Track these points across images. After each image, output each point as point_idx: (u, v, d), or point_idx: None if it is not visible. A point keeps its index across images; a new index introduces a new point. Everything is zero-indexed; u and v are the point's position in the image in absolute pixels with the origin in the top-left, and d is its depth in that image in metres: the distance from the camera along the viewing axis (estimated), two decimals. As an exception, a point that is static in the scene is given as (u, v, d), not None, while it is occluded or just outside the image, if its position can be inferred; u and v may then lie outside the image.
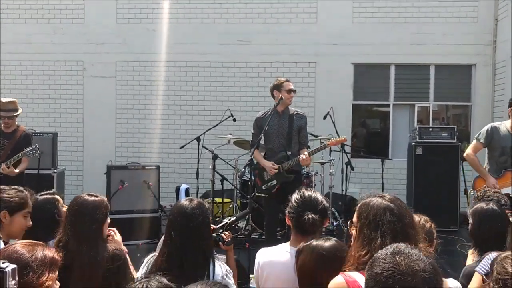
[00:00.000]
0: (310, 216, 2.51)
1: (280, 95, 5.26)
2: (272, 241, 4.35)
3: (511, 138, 4.92)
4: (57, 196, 3.19)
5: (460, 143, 7.50)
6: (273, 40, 9.29)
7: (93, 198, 2.71)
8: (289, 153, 5.25)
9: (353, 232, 2.13)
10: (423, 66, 9.19)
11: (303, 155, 5.05)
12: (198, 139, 7.11)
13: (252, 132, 5.48)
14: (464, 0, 9.00)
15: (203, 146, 7.12)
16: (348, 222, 2.23)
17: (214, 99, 9.36)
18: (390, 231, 1.94)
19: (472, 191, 5.09)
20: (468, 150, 5.21)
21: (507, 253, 1.98)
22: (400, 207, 2.05)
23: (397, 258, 1.47)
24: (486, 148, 5.16)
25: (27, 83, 9.71)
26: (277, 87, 5.32)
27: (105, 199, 2.78)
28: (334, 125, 7.22)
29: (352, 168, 7.06)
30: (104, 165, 7.31)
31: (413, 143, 7.47)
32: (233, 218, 2.99)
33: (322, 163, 7.48)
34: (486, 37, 8.99)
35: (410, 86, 9.31)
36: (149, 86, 9.53)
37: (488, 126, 5.11)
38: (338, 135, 7.07)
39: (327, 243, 2.27)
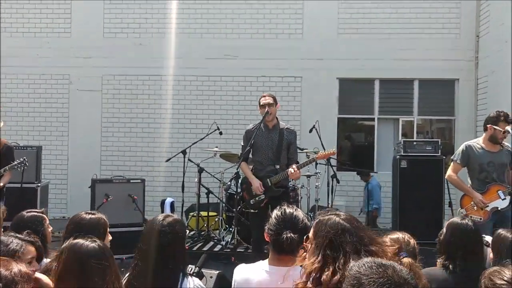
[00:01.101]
0: (288, 235, 2.40)
1: (262, 112, 5.30)
2: (259, 258, 4.29)
3: (487, 154, 4.98)
4: (44, 215, 3.14)
5: (444, 157, 7.58)
6: (259, 55, 9.37)
7: (90, 216, 2.70)
8: (278, 167, 5.23)
9: (308, 246, 2.07)
10: (407, 80, 9.34)
11: (291, 169, 5.04)
12: (184, 152, 7.10)
13: (242, 144, 5.47)
14: (446, 17, 9.18)
15: (189, 159, 7.10)
16: (304, 237, 2.15)
17: (201, 112, 9.38)
18: (352, 250, 1.93)
19: (460, 210, 5.11)
20: (449, 172, 5.24)
21: (495, 268, 2.07)
22: (356, 227, 2.02)
23: (387, 272, 1.47)
24: (466, 168, 5.19)
25: (12, 96, 9.65)
26: (259, 103, 5.37)
27: (103, 217, 2.75)
28: (320, 138, 7.25)
29: (338, 181, 7.07)
30: (89, 178, 7.25)
31: (398, 157, 7.53)
32: (196, 269, 2.77)
33: (308, 176, 7.50)
34: (468, 53, 9.17)
35: (394, 100, 9.44)
36: (135, 99, 9.53)
37: (463, 146, 5.16)
38: (324, 148, 7.11)
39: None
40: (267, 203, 5.12)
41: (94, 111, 9.55)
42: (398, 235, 2.77)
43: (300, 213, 2.52)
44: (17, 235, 2.55)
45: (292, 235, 2.40)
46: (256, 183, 5.16)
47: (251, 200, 5.25)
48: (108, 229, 2.91)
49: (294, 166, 5.08)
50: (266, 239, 2.56)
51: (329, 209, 2.29)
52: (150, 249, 2.42)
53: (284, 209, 2.52)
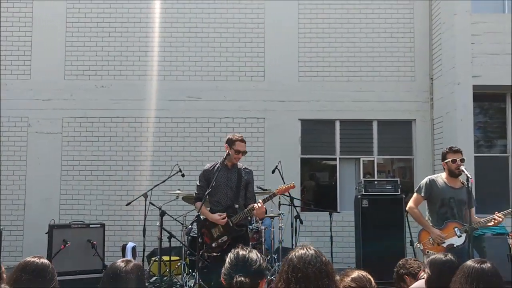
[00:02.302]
0: (238, 280, 2.33)
1: (228, 151, 5.26)
2: None
3: (449, 190, 5.06)
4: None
5: (404, 196, 7.74)
6: (222, 97, 9.48)
7: (38, 260, 2.60)
8: (237, 206, 5.21)
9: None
10: (366, 121, 9.60)
11: (257, 204, 5.01)
12: (145, 195, 6.98)
13: (198, 184, 5.37)
14: (402, 60, 9.59)
15: (150, 202, 6.98)
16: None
17: (163, 154, 9.32)
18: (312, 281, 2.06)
19: (418, 244, 5.16)
20: (410, 204, 5.27)
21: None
22: (322, 262, 2.19)
23: None
24: (425, 201, 5.27)
25: (-33, 140, 9.35)
26: (229, 142, 5.28)
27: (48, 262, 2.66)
28: (283, 178, 7.29)
29: (301, 222, 7.08)
30: (46, 224, 7.00)
31: (359, 196, 7.65)
32: None
33: (272, 217, 7.49)
34: (424, 94, 9.55)
35: (355, 140, 9.65)
36: (96, 142, 9.40)
37: (426, 179, 5.24)
38: (286, 187, 7.15)
39: None
40: (230, 245, 5.01)
41: (53, 154, 9.34)
42: (358, 273, 2.74)
43: (254, 255, 2.43)
44: None
45: (243, 278, 2.33)
46: (215, 216, 5.09)
47: (213, 243, 5.16)
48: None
49: (260, 200, 5.07)
50: (223, 282, 2.49)
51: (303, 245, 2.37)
52: None
53: (237, 252, 2.45)
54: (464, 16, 8.60)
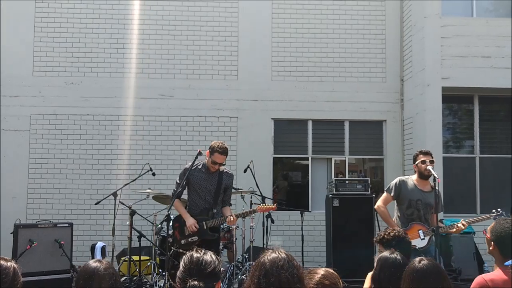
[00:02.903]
0: (192, 284, 2.25)
1: (207, 158, 5.26)
2: None
3: (417, 192, 5.15)
4: None
5: (374, 195, 7.84)
6: (194, 95, 9.42)
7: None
8: (215, 211, 5.21)
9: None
10: (338, 121, 9.68)
11: (231, 217, 5.07)
12: (115, 194, 6.87)
13: (177, 181, 5.37)
14: (373, 61, 9.70)
15: (120, 202, 6.88)
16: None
17: (134, 152, 9.20)
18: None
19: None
20: (379, 202, 5.34)
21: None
22: (294, 266, 2.24)
23: None
24: (395, 201, 5.36)
25: None
26: (210, 150, 5.25)
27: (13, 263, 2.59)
28: (255, 178, 7.29)
29: (273, 221, 7.10)
30: (11, 223, 6.82)
31: (330, 195, 7.71)
32: None
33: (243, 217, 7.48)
34: (394, 95, 9.69)
35: (327, 140, 9.73)
36: (65, 140, 9.22)
37: (397, 179, 5.33)
38: (258, 187, 7.17)
39: None
40: (198, 246, 5.02)
41: (21, 152, 9.12)
42: (326, 270, 2.72)
43: (208, 257, 2.37)
44: None
45: (196, 282, 2.25)
46: (190, 221, 5.10)
47: (182, 240, 5.17)
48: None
49: (234, 215, 5.12)
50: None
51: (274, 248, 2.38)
52: None
53: (191, 255, 2.37)
54: (434, 19, 8.77)
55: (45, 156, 9.18)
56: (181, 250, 5.20)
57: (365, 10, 9.78)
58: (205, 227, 5.12)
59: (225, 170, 5.40)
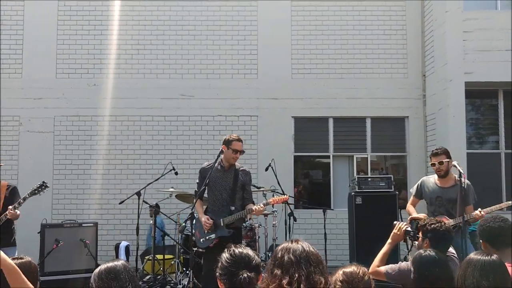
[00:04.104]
0: (245, 275, 2.29)
1: (225, 152, 5.21)
2: None
3: (437, 190, 5.25)
4: None
5: (397, 192, 7.76)
6: (215, 95, 9.45)
7: (18, 261, 2.57)
8: (233, 208, 5.18)
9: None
10: (360, 118, 9.60)
11: (257, 206, 5.00)
12: (138, 193, 6.94)
13: (197, 182, 5.43)
14: (394, 57, 9.60)
15: (143, 201, 6.94)
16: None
17: (157, 152, 9.28)
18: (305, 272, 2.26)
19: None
20: (408, 204, 5.58)
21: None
22: (316, 259, 2.33)
23: None
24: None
25: (-43, 139, 9.27)
26: (227, 142, 5.20)
27: (32, 260, 2.64)
28: (276, 176, 7.27)
29: (295, 219, 7.07)
30: (38, 223, 6.95)
31: (353, 193, 7.65)
32: None
33: (265, 215, 7.48)
34: (416, 91, 9.57)
35: (348, 138, 9.66)
36: (88, 140, 9.34)
37: (420, 180, 5.48)
38: (280, 186, 7.16)
39: None
40: (216, 244, 5.04)
41: (45, 153, 9.27)
42: (353, 269, 2.71)
43: (250, 251, 2.44)
44: None
45: (249, 274, 2.32)
46: (203, 218, 5.11)
47: (202, 239, 5.18)
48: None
49: (261, 204, 5.06)
50: (220, 286, 2.42)
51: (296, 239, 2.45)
52: None
53: (233, 250, 2.42)
54: (456, 13, 8.63)
55: (69, 157, 9.33)
56: (200, 250, 5.20)
57: (386, 5, 9.69)
58: (222, 224, 5.11)
59: (241, 168, 5.36)
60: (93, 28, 9.56)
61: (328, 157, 9.59)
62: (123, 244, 8.13)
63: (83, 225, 6.82)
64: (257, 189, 7.48)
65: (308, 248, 2.38)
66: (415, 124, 9.54)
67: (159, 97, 9.43)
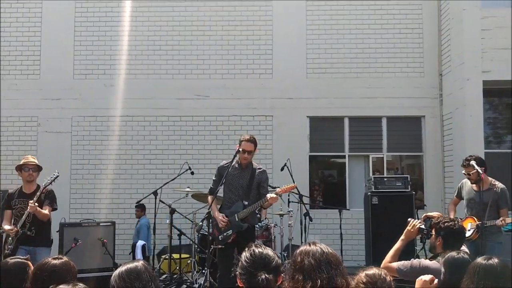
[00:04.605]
0: (263, 277, 2.29)
1: (239, 153, 5.37)
2: None
3: (471, 192, 5.65)
4: (28, 262, 3.03)
5: (414, 192, 7.70)
6: (230, 95, 9.49)
7: (59, 261, 2.63)
8: (246, 203, 5.29)
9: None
10: (375, 118, 9.55)
11: (270, 194, 5.10)
12: (155, 193, 7.00)
13: (213, 179, 5.54)
14: (410, 56, 9.53)
15: (160, 200, 7.00)
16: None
17: (172, 152, 9.34)
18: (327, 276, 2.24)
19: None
20: (450, 202, 6.13)
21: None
22: (324, 253, 2.33)
23: None
24: None
25: (-22, 139, 9.45)
26: (240, 143, 5.40)
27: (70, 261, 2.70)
28: (292, 176, 7.27)
29: (311, 219, 7.08)
30: (57, 222, 7.04)
31: (369, 193, 7.62)
32: None
33: (281, 215, 7.49)
34: (433, 90, 9.48)
35: (364, 137, 9.61)
36: (105, 141, 9.44)
37: (461, 181, 5.88)
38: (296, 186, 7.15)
39: None
40: (234, 239, 5.19)
41: (63, 153, 9.39)
42: (375, 271, 2.71)
43: (270, 251, 2.43)
44: None
45: (267, 275, 2.31)
46: (218, 215, 5.26)
47: (220, 236, 5.28)
48: (78, 275, 2.83)
49: (272, 194, 5.15)
50: (240, 285, 2.42)
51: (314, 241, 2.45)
52: None
53: (253, 249, 2.41)
54: (474, 11, 8.53)
55: (86, 157, 9.44)
56: (220, 246, 5.29)
57: (402, 4, 9.61)
58: (237, 219, 5.23)
59: (258, 167, 5.51)
60: (110, 29, 9.65)
61: (344, 157, 9.56)
62: (140, 243, 8.19)
63: (101, 224, 6.90)
64: (272, 189, 7.46)
65: (327, 250, 2.37)
66: (431, 124, 9.45)
67: (175, 98, 9.49)
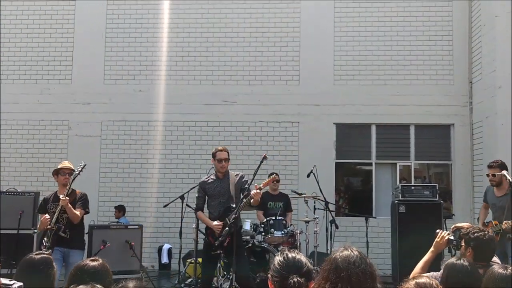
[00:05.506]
0: (295, 280, 2.34)
1: (215, 164, 5.72)
2: None
3: (493, 198, 6.03)
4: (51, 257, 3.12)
5: (442, 201, 7.58)
6: (257, 101, 9.53)
7: (97, 263, 2.70)
8: (233, 205, 5.51)
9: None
10: (403, 125, 9.44)
11: (254, 191, 5.27)
12: (182, 197, 7.08)
13: (197, 195, 5.83)
14: (440, 64, 9.40)
15: (187, 205, 7.07)
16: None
17: (199, 157, 9.42)
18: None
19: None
20: (481, 207, 6.48)
21: None
22: (366, 263, 2.31)
23: None
24: None
25: (11, 142, 9.73)
26: (212, 155, 5.74)
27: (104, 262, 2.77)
28: (318, 183, 7.27)
29: (337, 227, 7.05)
30: (86, 224, 7.18)
31: (396, 201, 7.53)
32: None
33: (307, 222, 7.46)
34: (462, 98, 9.33)
35: (391, 145, 9.50)
36: (134, 145, 9.60)
37: (486, 187, 6.30)
38: (322, 192, 7.14)
39: None
40: (229, 242, 5.42)
41: (92, 156, 9.55)
42: (425, 280, 2.66)
43: (302, 257, 2.48)
44: None
45: (298, 279, 2.35)
46: (211, 223, 5.54)
47: (216, 242, 5.51)
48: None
49: (255, 189, 5.32)
50: (270, 287, 2.48)
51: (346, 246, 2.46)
52: None
53: (286, 254, 2.46)
54: (506, 18, 8.37)
55: (115, 161, 9.61)
56: (219, 252, 5.58)
57: (431, 11, 9.51)
58: (228, 222, 5.44)
59: (235, 173, 5.76)
60: (140, 36, 9.83)
61: (370, 164, 9.47)
62: (166, 246, 8.29)
63: (129, 227, 7.02)
64: (299, 196, 7.48)
65: (363, 257, 2.37)
66: (460, 132, 9.29)
67: (202, 103, 9.59)
